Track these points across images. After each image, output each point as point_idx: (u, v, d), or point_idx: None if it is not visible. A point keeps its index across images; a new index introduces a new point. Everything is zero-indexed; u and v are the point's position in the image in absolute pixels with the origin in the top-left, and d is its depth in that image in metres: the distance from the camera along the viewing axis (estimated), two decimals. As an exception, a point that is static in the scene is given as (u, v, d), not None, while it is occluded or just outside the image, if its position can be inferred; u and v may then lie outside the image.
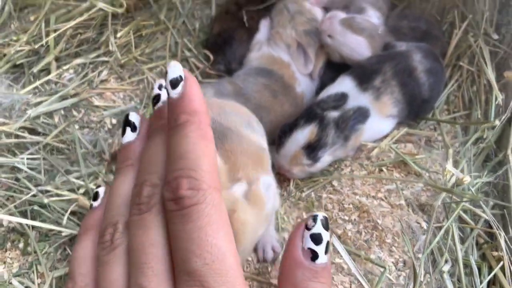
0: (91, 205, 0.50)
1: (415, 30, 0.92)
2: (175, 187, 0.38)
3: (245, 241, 0.57)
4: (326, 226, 0.40)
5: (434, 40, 0.92)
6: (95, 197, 0.50)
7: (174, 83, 0.42)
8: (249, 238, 0.58)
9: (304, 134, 0.78)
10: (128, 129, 0.48)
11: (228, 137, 0.64)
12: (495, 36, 0.87)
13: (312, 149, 0.77)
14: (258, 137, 0.67)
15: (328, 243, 0.40)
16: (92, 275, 0.45)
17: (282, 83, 0.90)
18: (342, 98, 0.80)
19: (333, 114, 0.79)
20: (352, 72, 0.85)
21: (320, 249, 0.39)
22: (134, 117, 0.48)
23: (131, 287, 0.38)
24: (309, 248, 0.39)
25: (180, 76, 0.42)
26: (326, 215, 0.41)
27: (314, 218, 0.40)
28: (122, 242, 0.41)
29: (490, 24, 0.88)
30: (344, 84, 0.83)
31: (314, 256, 0.39)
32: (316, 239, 0.39)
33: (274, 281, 0.66)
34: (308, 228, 0.40)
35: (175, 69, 0.42)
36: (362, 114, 0.79)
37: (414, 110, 0.86)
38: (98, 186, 0.51)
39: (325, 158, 0.79)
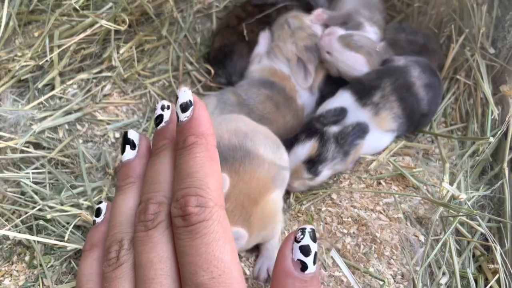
0: (94, 221, 0.52)
1: (413, 43, 0.94)
2: (183, 204, 0.40)
3: None
4: (313, 238, 0.42)
5: (432, 54, 0.94)
6: (98, 213, 0.52)
7: (184, 107, 0.45)
8: None
9: (305, 149, 0.79)
10: (128, 147, 0.50)
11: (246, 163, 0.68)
12: (492, 50, 0.88)
13: (312, 164, 0.79)
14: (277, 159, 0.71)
15: (316, 254, 0.42)
16: None
17: (284, 95, 0.91)
18: (341, 113, 0.82)
19: (333, 129, 0.80)
20: (352, 87, 0.86)
21: (308, 260, 0.41)
22: (133, 135, 0.50)
23: None
24: (299, 259, 0.41)
25: (190, 101, 0.44)
26: (314, 227, 0.43)
27: (303, 231, 0.42)
28: (128, 259, 0.43)
29: (487, 38, 0.90)
30: (344, 99, 0.85)
31: (303, 266, 0.41)
32: (305, 250, 0.41)
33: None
34: (297, 241, 0.41)
35: (186, 94, 0.44)
36: (361, 130, 0.80)
37: (414, 124, 0.87)
38: (100, 202, 0.52)
39: (325, 172, 0.80)
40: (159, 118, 0.49)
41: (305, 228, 0.42)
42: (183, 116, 0.45)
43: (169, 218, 0.43)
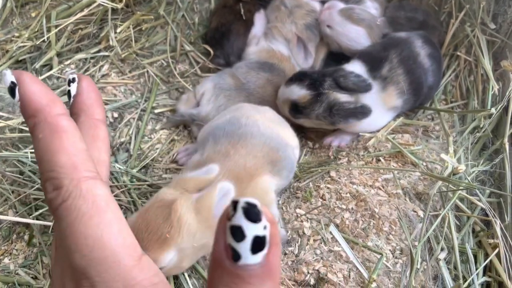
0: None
1: (412, 20, 0.93)
2: (44, 192, 0.37)
3: (179, 239, 0.58)
4: (252, 216, 0.29)
5: (432, 30, 0.93)
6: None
7: (11, 92, 0.39)
8: (185, 238, 0.59)
9: (299, 93, 0.80)
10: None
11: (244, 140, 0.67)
12: (492, 26, 0.87)
13: (296, 109, 0.81)
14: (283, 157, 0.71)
15: (259, 239, 0.29)
16: None
17: (284, 76, 0.90)
18: (367, 87, 0.79)
19: (332, 97, 0.79)
20: (361, 57, 0.84)
21: (242, 246, 0.29)
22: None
23: None
24: (228, 244, 0.30)
25: (12, 82, 0.39)
26: (256, 202, 0.29)
27: (234, 205, 0.29)
28: None
29: (487, 13, 0.89)
30: (356, 68, 0.82)
31: (234, 254, 0.29)
32: (235, 233, 0.29)
33: None
34: (228, 218, 0.30)
35: (6, 78, 0.38)
36: (362, 112, 0.79)
37: (420, 99, 0.85)
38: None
39: (304, 121, 0.84)
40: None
41: (238, 201, 0.29)
42: (16, 101, 0.39)
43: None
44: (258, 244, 0.29)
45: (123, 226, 0.36)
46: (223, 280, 0.30)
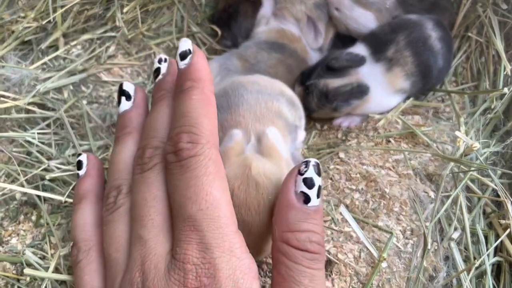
0: (78, 174, 0.53)
1: (423, 1, 0.91)
2: (176, 141, 0.41)
3: (275, 190, 0.53)
4: (318, 172, 0.42)
5: (443, 11, 0.91)
6: (79, 166, 0.53)
7: (183, 56, 0.46)
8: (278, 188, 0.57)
9: (296, 91, 0.81)
10: (123, 99, 0.51)
11: (243, 105, 0.65)
12: (504, 6, 0.86)
13: (304, 106, 0.79)
14: (286, 110, 0.69)
15: (320, 187, 0.41)
16: (94, 239, 0.47)
17: (296, 57, 0.89)
18: (360, 61, 0.80)
19: (321, 84, 0.79)
20: (366, 39, 0.84)
21: (312, 192, 0.41)
22: (128, 86, 0.52)
23: (132, 239, 0.40)
24: (302, 192, 0.41)
25: (189, 49, 0.46)
26: (318, 162, 0.42)
27: (307, 164, 0.42)
28: (125, 202, 0.44)
29: (499, -7, 0.87)
30: (359, 51, 0.82)
31: (306, 199, 0.40)
32: (308, 183, 0.41)
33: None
34: (300, 173, 0.41)
35: (185, 43, 0.46)
36: (359, 91, 0.79)
37: (430, 81, 0.85)
38: (80, 155, 0.53)
39: (319, 114, 0.84)
40: (157, 71, 0.51)
41: (309, 161, 0.42)
42: (182, 64, 0.46)
43: (165, 161, 0.43)
44: (319, 191, 0.41)
45: (229, 197, 0.42)
46: (297, 216, 0.40)
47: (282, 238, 0.41)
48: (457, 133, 0.69)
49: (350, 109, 0.81)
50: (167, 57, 0.52)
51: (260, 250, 0.56)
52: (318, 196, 0.41)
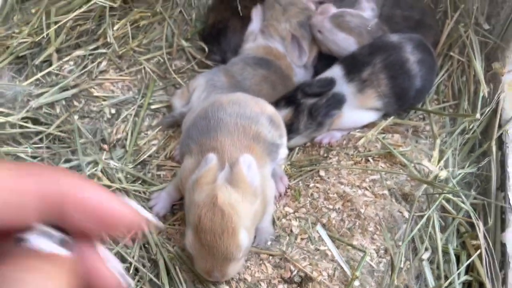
0: None
1: (408, 19, 0.93)
2: None
3: (242, 221, 0.60)
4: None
5: (428, 29, 0.93)
6: None
7: None
8: (246, 217, 0.61)
9: (281, 115, 0.81)
10: None
11: (221, 130, 0.69)
12: (486, 26, 0.87)
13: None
14: (265, 132, 0.71)
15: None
16: None
17: (280, 73, 0.92)
18: (329, 83, 0.83)
19: (310, 102, 0.82)
20: (343, 61, 0.86)
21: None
22: None
23: None
24: None
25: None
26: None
27: None
28: None
29: (482, 14, 0.89)
30: (334, 72, 0.85)
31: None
32: None
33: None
34: None
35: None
36: (336, 101, 0.82)
37: (407, 102, 0.87)
38: None
39: (297, 140, 0.85)
40: None
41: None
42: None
43: None
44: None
45: None
46: None
47: None
48: (424, 162, 0.72)
49: (332, 123, 0.84)
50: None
51: (224, 273, 0.62)
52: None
